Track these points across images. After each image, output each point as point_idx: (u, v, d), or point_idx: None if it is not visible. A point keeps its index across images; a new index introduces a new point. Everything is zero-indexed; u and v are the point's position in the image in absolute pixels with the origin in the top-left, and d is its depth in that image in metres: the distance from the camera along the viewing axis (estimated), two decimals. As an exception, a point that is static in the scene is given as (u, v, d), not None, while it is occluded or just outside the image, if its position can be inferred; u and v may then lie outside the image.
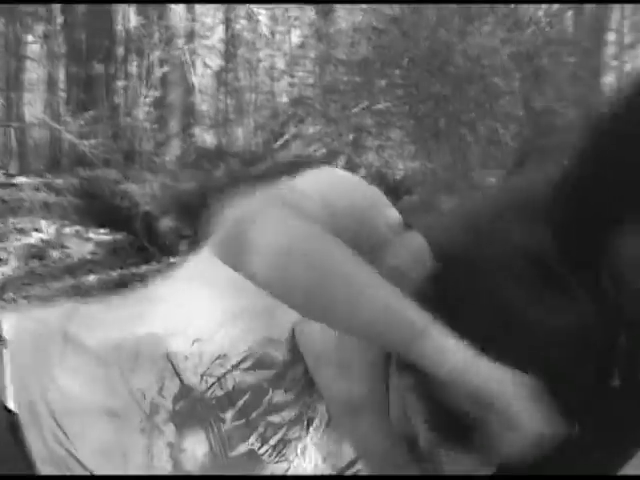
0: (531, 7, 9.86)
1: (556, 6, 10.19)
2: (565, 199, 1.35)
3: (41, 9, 14.69)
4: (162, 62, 10.86)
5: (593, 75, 11.18)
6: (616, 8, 13.94)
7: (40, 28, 15.36)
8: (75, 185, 9.73)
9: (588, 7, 12.85)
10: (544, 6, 9.91)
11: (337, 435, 1.37)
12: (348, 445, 1.36)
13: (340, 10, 11.21)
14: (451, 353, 1.15)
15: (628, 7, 14.34)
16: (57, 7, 14.04)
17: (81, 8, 14.02)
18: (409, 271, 1.34)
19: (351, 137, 9.34)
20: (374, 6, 9.69)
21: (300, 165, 1.55)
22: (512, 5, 9.85)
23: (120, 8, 13.63)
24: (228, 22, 13.62)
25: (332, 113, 9.41)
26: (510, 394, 1.18)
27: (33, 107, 15.37)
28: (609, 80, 13.30)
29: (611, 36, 14.89)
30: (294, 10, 12.17)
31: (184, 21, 12.65)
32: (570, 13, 11.57)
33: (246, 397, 1.34)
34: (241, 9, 13.30)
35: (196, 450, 1.33)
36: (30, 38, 16.03)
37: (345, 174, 1.57)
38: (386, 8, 9.19)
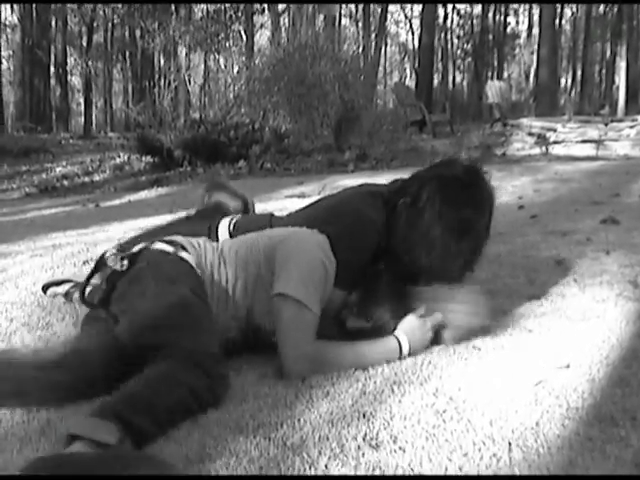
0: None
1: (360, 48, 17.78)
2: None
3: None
4: (175, 80, 18.62)
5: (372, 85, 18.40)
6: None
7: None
8: (136, 136, 15.09)
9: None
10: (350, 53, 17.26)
11: None
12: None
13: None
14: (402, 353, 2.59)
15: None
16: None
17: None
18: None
19: (261, 113, 15.31)
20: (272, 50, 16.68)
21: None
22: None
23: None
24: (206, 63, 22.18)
25: (254, 102, 15.67)
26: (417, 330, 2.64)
27: (115, 101, 24.29)
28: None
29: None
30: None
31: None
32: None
33: None
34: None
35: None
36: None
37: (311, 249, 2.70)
38: (279, 52, 15.94)
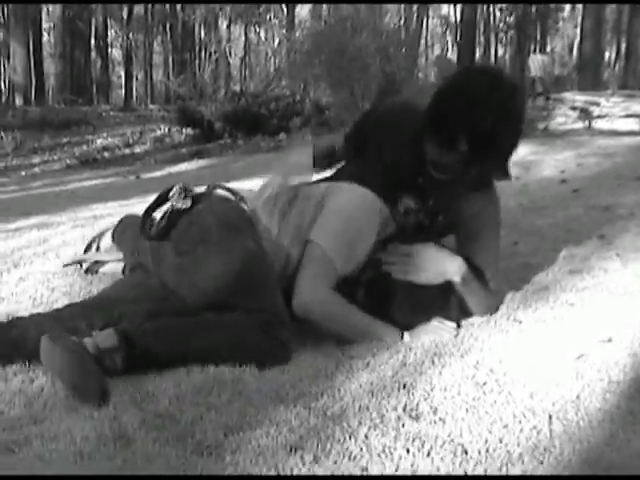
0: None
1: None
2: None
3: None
4: (215, 52, 18.72)
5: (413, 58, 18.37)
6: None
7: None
8: (176, 108, 15.35)
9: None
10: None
11: None
12: None
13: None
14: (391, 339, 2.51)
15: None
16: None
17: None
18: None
19: (302, 86, 15.51)
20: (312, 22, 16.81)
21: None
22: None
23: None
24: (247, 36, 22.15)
25: (294, 75, 15.79)
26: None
27: (156, 73, 24.37)
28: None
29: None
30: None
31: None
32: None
33: None
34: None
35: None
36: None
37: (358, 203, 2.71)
38: (320, 24, 16.43)
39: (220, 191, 2.81)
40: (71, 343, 2.14)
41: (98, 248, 3.49)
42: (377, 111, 3.26)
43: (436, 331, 2.63)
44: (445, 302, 2.74)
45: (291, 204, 2.77)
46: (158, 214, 2.70)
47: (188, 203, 2.65)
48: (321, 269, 2.59)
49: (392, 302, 2.71)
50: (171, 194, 2.70)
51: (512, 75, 3.15)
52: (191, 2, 28.67)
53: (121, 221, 3.31)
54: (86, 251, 3.60)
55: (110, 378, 2.19)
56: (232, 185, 2.93)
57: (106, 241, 3.43)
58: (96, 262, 3.42)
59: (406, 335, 2.61)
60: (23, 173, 12.78)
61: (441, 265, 2.72)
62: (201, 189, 2.86)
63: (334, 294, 2.60)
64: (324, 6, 26.78)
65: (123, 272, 3.16)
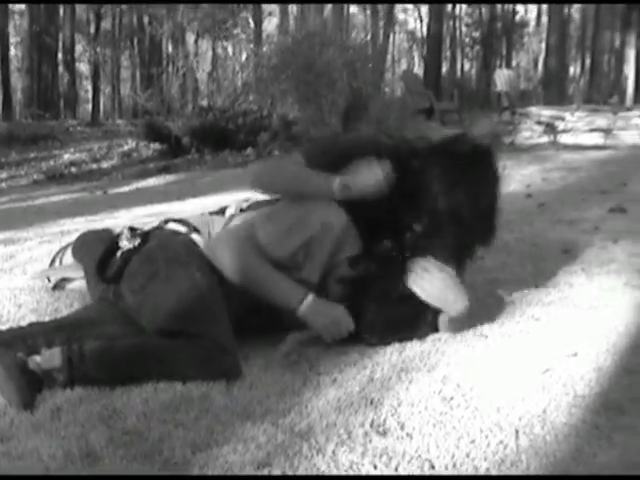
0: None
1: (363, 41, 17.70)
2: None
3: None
4: (183, 67, 18.67)
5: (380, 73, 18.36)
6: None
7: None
8: (144, 123, 15.19)
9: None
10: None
11: None
12: None
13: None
14: (301, 305, 2.52)
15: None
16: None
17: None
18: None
19: (269, 101, 15.28)
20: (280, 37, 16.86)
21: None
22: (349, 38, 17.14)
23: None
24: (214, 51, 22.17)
25: (261, 90, 15.64)
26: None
27: (123, 88, 24.29)
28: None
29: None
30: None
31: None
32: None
33: None
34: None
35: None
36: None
37: None
38: (287, 40, 16.21)
39: (171, 224, 2.85)
40: (8, 359, 2.23)
41: (61, 262, 3.46)
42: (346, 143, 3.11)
43: None
44: (416, 320, 2.73)
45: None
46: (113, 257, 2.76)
47: (137, 242, 2.73)
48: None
49: (365, 310, 2.69)
50: (121, 237, 2.78)
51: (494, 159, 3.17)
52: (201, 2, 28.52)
53: (79, 238, 3.30)
54: (51, 265, 3.58)
55: (74, 392, 2.24)
56: (196, 203, 2.94)
57: (68, 257, 3.40)
58: (63, 279, 3.40)
59: (309, 297, 2.59)
60: (-11, 188, 12.49)
61: (448, 296, 2.71)
62: (152, 224, 2.92)
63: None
64: (291, 21, 26.87)
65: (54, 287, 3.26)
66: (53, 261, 3.58)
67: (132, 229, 2.82)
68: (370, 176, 2.68)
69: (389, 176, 2.68)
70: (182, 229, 2.81)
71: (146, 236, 2.77)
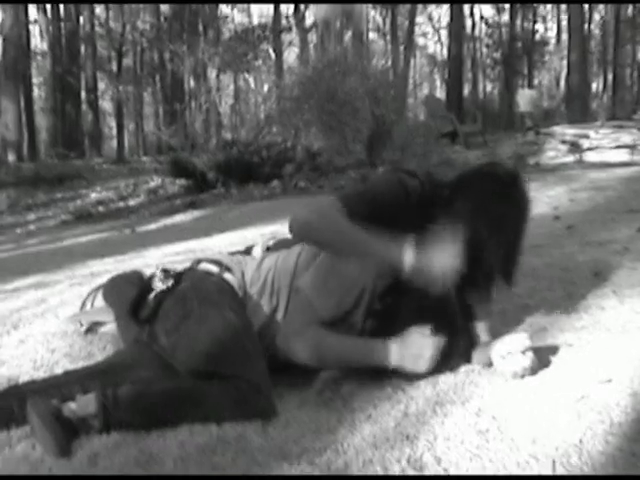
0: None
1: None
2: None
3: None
4: (205, 102, 18.79)
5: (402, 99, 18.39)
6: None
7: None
8: (169, 159, 15.27)
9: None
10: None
11: None
12: None
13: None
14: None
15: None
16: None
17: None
18: None
19: (293, 132, 15.28)
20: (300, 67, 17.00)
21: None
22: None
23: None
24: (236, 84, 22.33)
25: (284, 121, 15.65)
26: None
27: (147, 124, 24.68)
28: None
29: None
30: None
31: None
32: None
33: None
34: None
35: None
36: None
37: None
38: (308, 70, 16.09)
39: (204, 265, 2.87)
40: (43, 407, 2.24)
41: (92, 305, 3.51)
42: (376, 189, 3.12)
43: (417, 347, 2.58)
44: (448, 350, 2.69)
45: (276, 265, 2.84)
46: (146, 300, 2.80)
47: (170, 283, 2.76)
48: (304, 312, 2.64)
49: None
50: (154, 279, 2.81)
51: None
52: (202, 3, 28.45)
53: (109, 281, 3.35)
54: (82, 308, 3.63)
55: (110, 437, 2.25)
56: (223, 238, 2.95)
57: (99, 300, 3.45)
58: (96, 322, 3.43)
59: (391, 355, 2.54)
60: (18, 231, 12.76)
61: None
62: (185, 265, 2.95)
63: (312, 327, 2.61)
64: (311, 51, 26.92)
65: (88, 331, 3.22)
66: (84, 304, 3.63)
67: (165, 270, 2.85)
68: (446, 257, 2.55)
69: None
70: (214, 269, 2.82)
71: (179, 277, 2.81)
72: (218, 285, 2.76)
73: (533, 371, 2.59)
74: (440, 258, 2.50)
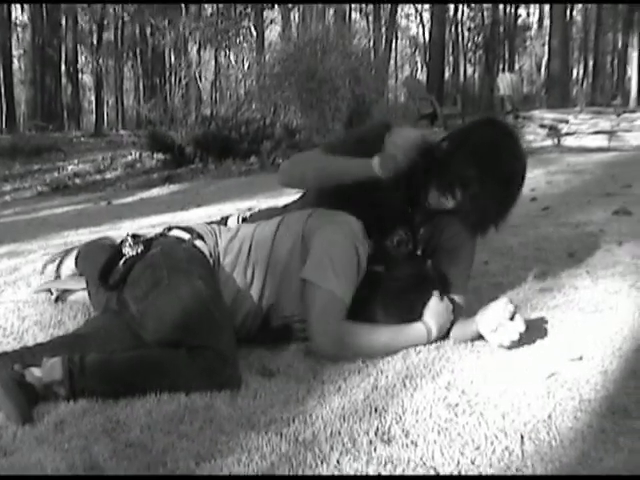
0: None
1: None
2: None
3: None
4: (185, 76, 18.69)
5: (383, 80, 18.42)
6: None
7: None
8: (147, 133, 15.19)
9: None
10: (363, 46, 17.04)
11: None
12: None
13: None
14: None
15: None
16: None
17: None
18: None
19: (272, 109, 15.29)
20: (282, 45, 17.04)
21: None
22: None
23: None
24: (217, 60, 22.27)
25: (264, 98, 15.59)
26: None
27: (127, 98, 24.48)
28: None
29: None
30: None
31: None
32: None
33: None
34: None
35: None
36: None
37: None
38: (289, 47, 16.12)
39: (175, 231, 2.85)
40: (4, 373, 2.22)
41: (58, 270, 3.47)
42: (361, 130, 3.26)
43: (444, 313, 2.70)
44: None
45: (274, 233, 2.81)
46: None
47: (140, 249, 2.72)
48: (332, 311, 2.60)
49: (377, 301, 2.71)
50: (123, 244, 2.77)
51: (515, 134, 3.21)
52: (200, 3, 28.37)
53: (81, 248, 3.31)
54: (42, 271, 3.69)
55: (77, 404, 2.23)
56: (200, 212, 2.93)
57: (68, 266, 3.42)
58: (65, 290, 3.40)
59: (433, 328, 2.66)
60: (-6, 201, 12.53)
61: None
62: (157, 231, 2.91)
63: (345, 325, 2.61)
64: (293, 29, 26.85)
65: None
66: (44, 267, 3.62)
67: (135, 236, 2.81)
68: (406, 136, 2.67)
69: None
70: (185, 236, 2.79)
71: (149, 243, 2.77)
72: (188, 252, 2.72)
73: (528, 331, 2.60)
74: (400, 137, 2.64)
